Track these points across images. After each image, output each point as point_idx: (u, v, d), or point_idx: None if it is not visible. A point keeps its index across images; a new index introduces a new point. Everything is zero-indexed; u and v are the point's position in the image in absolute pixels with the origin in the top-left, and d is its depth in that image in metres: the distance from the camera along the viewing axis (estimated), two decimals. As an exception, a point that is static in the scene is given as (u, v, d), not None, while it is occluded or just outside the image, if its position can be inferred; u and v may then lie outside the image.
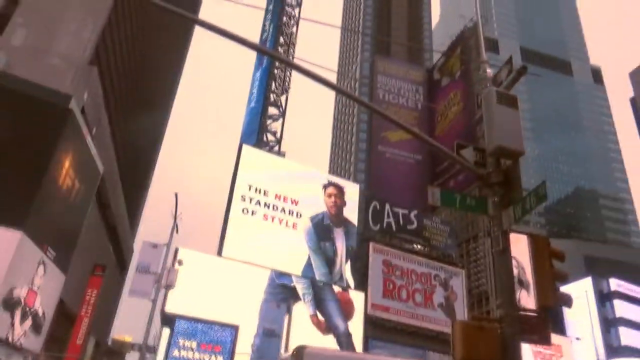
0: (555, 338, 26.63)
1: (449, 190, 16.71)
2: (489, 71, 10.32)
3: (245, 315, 20.26)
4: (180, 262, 19.50)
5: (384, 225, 26.91)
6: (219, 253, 21.24)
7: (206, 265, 20.82)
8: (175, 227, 22.12)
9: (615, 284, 50.87)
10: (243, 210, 22.59)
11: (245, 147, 24.85)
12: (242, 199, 22.74)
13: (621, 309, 48.98)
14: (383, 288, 24.33)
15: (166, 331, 19.01)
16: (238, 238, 21.78)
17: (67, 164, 18.27)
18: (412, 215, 28.21)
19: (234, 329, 19.29)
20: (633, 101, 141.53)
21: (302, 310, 22.05)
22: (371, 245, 25.04)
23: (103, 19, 19.58)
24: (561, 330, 40.41)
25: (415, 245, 27.78)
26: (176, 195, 23.16)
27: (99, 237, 31.34)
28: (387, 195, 30.55)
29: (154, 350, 20.09)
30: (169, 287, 18.73)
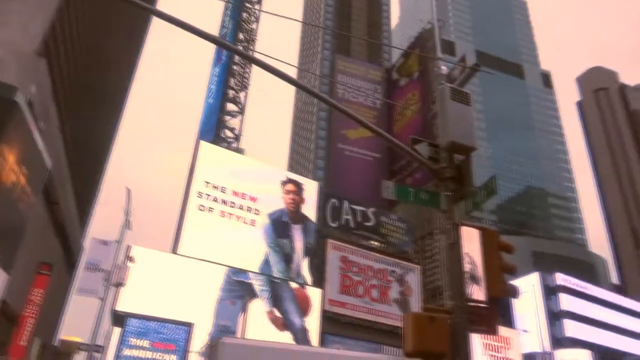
0: (504, 330, 27.64)
1: (403, 185, 16.97)
2: (444, 68, 10.52)
3: (200, 313, 19.90)
4: (131, 259, 18.90)
5: (342, 222, 27.10)
6: (174, 251, 20.76)
7: (160, 263, 20.28)
8: (127, 224, 21.42)
9: (560, 278, 53.36)
10: (200, 207, 22.16)
11: (202, 143, 24.38)
12: (199, 196, 22.31)
13: (566, 302, 51.44)
14: (340, 284, 24.50)
15: (117, 330, 18.39)
16: (194, 235, 21.35)
17: (11, 158, 17.27)
18: (370, 212, 28.53)
19: (188, 327, 18.90)
20: (579, 104, 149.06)
21: (259, 307, 21.89)
22: (329, 242, 25.16)
23: (53, 10, 18.64)
24: (510, 323, 42.03)
25: (372, 242, 28.12)
26: (128, 190, 22.44)
27: (45, 235, 29.88)
28: (345, 192, 30.77)
29: (102, 350, 19.39)
30: (119, 285, 18.11)
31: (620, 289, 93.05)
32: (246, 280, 22.11)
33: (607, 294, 60.99)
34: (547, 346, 46.91)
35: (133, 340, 17.93)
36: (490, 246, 7.98)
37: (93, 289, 18.99)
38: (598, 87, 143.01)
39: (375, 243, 28.25)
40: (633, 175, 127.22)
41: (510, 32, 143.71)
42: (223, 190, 23.15)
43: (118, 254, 20.00)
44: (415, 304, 26.26)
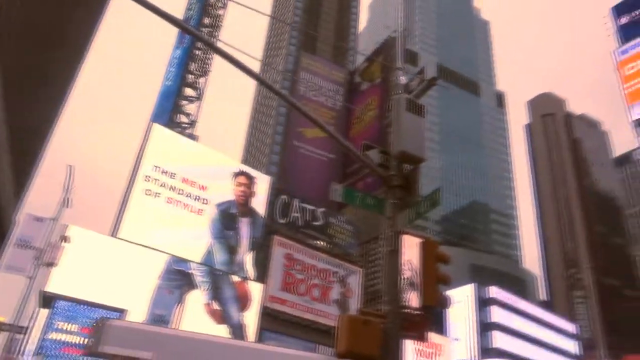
0: (437, 338, 28.58)
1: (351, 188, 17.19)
2: (403, 78, 10.74)
3: (136, 300, 19.33)
4: (66, 239, 18.06)
5: (291, 219, 27.11)
6: (114, 234, 20.04)
7: (98, 245, 19.52)
8: (65, 201, 20.46)
9: (493, 291, 55.72)
10: (146, 192, 21.50)
11: (155, 126, 23.66)
12: (146, 180, 21.64)
13: (496, 314, 53.75)
14: (282, 281, 24.50)
15: (44, 312, 17.54)
16: (137, 220, 20.70)
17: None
18: (319, 212, 28.70)
19: (121, 313, 18.31)
20: (528, 127, 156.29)
21: (198, 299, 21.52)
22: (275, 238, 25.09)
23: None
24: (443, 331, 43.49)
25: (318, 242, 28.30)
26: (69, 167, 21.44)
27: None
28: (297, 190, 30.78)
29: (25, 331, 18.44)
30: (51, 265, 17.27)
31: (547, 305, 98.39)
32: (187, 270, 21.68)
33: (535, 309, 64.30)
34: (475, 355, 48.92)
35: (60, 324, 17.16)
36: (429, 256, 8.23)
37: (21, 266, 18.00)
38: (546, 112, 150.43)
39: (322, 243, 28.45)
40: (570, 200, 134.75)
41: (472, 50, 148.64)
42: (172, 176, 22.59)
43: (53, 232, 19.06)
44: (355, 306, 26.66)
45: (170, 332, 15.68)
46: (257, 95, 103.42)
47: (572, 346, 64.30)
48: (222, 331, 21.45)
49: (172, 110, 33.26)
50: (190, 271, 21.73)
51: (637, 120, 49.08)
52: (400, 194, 8.50)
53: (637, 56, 51.30)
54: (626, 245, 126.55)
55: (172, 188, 22.40)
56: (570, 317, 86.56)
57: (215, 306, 21.98)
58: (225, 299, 22.44)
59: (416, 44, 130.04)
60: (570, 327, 66.79)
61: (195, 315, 20.92)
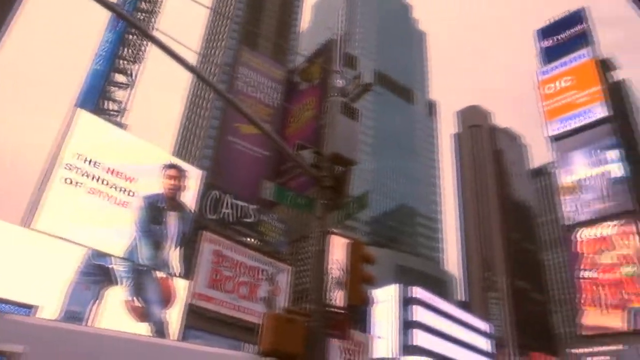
0: (361, 336, 29.29)
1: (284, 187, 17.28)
2: (340, 82, 10.93)
3: (50, 296, 18.13)
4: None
5: (221, 215, 26.66)
6: (28, 224, 18.67)
7: (9, 236, 18.10)
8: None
9: (416, 291, 58.16)
10: (66, 180, 20.23)
11: (80, 111, 22.30)
12: (67, 168, 20.34)
13: (418, 313, 56.15)
14: (210, 278, 24.02)
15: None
16: (54, 210, 19.41)
17: None
18: (251, 209, 28.45)
19: (30, 309, 17.10)
20: (456, 136, 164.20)
21: (117, 295, 20.56)
22: (204, 233, 24.56)
23: None
24: (367, 329, 44.70)
25: (248, 239, 28.04)
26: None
27: None
28: (229, 186, 30.29)
29: None
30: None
31: (465, 305, 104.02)
32: (108, 265, 20.65)
33: (454, 309, 67.85)
34: (396, 353, 50.75)
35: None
36: (356, 256, 8.46)
37: None
38: (473, 123, 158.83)
39: (252, 240, 28.23)
40: (490, 207, 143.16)
41: (408, 59, 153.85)
42: (96, 165, 21.41)
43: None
44: (283, 305, 26.70)
45: (50, 324, 14.44)
46: (192, 87, 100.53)
47: (486, 344, 68.58)
48: (142, 329, 20.67)
49: (100, 96, 31.61)
50: (111, 266, 20.72)
51: (552, 135, 53.25)
52: (330, 195, 8.66)
53: (556, 77, 55.67)
54: (537, 251, 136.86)
55: (96, 178, 21.25)
56: (485, 317, 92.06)
57: (137, 303, 21.13)
58: (148, 296, 21.61)
59: (356, 48, 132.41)
60: (484, 326, 71.21)
61: (114, 312, 19.97)
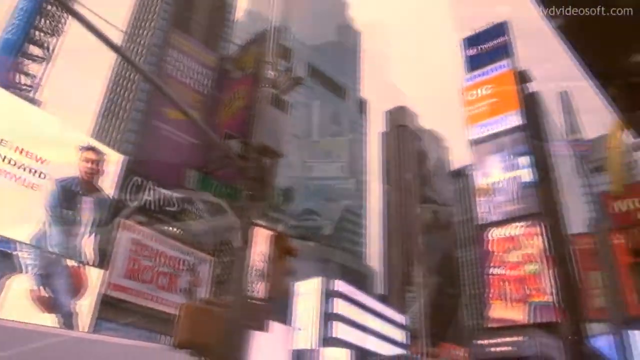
0: (281, 327, 29.46)
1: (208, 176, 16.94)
2: (272, 73, 10.87)
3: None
4: None
5: (142, 202, 25.56)
6: None
7: None
8: None
9: (339, 284, 59.45)
10: (-35, 157, 18.42)
11: (-15, 82, 20.37)
12: (-33, 143, 18.53)
13: (339, 306, 57.44)
14: (127, 268, 22.96)
15: None
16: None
17: None
18: (174, 197, 27.54)
19: None
20: (384, 135, 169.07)
21: (22, 284, 19.08)
22: (121, 221, 23.42)
23: None
24: (288, 320, 45.06)
25: (170, 228, 27.14)
26: None
27: None
28: (152, 172, 29.07)
29: None
30: None
31: (384, 298, 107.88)
32: (11, 252, 19.09)
33: (373, 302, 70.22)
34: (316, 344, 51.65)
35: None
36: (278, 249, 8.49)
37: None
38: (400, 123, 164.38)
39: (174, 229, 27.35)
40: (411, 206, 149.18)
41: (342, 56, 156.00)
42: (2, 143, 19.69)
43: None
44: (203, 296, 26.15)
45: None
46: (116, 67, 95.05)
47: (401, 335, 71.67)
48: (48, 320, 19.36)
49: (11, 68, 29.05)
50: (14, 252, 19.17)
51: (472, 140, 56.44)
52: (256, 187, 8.61)
53: (478, 85, 59.01)
54: (453, 249, 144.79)
55: (1, 157, 19.54)
56: (402, 310, 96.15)
57: (44, 293, 19.74)
58: (56, 285, 20.25)
59: (291, 40, 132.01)
60: (401, 318, 74.31)
61: (17, 303, 18.51)
